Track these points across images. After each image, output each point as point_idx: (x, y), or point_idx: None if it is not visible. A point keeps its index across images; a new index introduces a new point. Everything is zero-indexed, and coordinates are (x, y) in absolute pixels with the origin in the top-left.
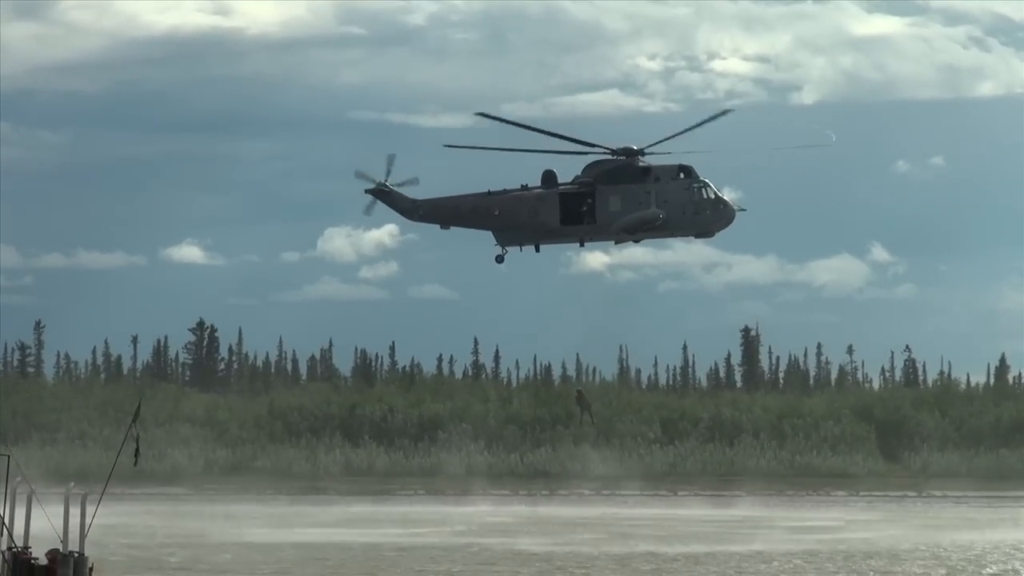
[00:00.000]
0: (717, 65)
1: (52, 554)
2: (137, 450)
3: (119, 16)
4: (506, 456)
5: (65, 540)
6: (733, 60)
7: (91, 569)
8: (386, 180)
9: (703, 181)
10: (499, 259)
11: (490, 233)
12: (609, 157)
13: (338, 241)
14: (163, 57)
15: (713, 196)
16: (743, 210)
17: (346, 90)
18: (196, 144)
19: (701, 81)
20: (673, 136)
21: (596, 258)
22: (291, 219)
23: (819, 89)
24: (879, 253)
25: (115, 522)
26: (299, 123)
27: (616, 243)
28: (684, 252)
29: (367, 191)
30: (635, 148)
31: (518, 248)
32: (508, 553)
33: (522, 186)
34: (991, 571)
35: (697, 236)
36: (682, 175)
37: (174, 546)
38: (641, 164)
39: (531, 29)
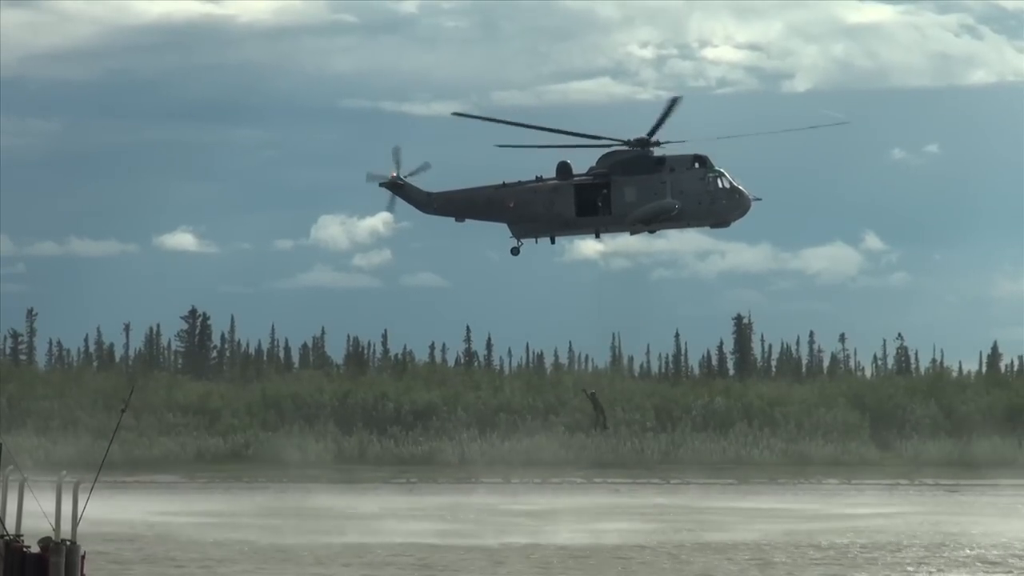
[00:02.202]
0: (709, 53)
1: (44, 542)
2: (125, 408)
3: (110, 4)
4: (498, 443)
5: (57, 528)
6: (725, 48)
7: (83, 557)
8: (398, 173)
9: (718, 171)
10: (514, 251)
11: (485, 222)
12: (623, 148)
13: (332, 229)
14: (154, 45)
15: (728, 185)
16: (758, 199)
17: (338, 78)
18: (188, 132)
19: (693, 69)
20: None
21: (589, 246)
22: (284, 207)
23: (811, 77)
24: (872, 241)
25: (107, 510)
26: (291, 111)
27: (632, 234)
28: (677, 240)
29: (381, 185)
30: (648, 138)
31: (533, 240)
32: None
33: (537, 178)
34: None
35: (713, 226)
36: (697, 165)
37: (166, 534)
38: (656, 155)
39: (523, 17)
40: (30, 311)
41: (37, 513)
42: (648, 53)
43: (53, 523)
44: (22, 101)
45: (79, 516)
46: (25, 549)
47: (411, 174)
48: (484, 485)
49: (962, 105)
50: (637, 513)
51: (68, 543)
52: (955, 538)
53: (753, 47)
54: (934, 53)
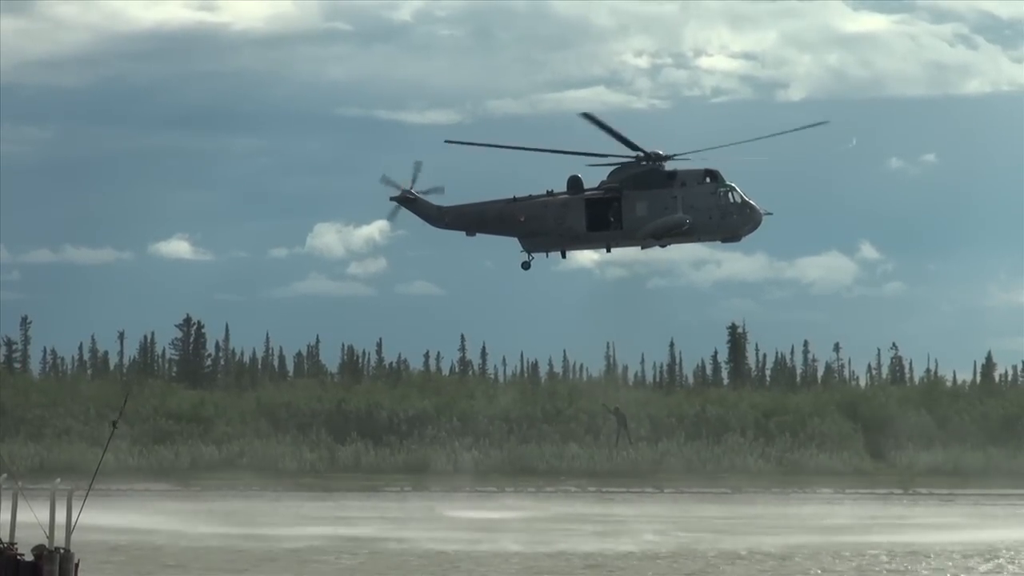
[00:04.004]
0: (704, 62)
1: (38, 550)
2: (115, 425)
3: (104, 11)
4: (492, 452)
5: (51, 536)
6: (720, 57)
7: (77, 565)
8: (412, 188)
9: (729, 185)
10: (525, 265)
11: (496, 236)
12: (634, 162)
13: (328, 237)
14: (149, 52)
15: (739, 200)
16: (769, 214)
17: (333, 86)
18: (183, 139)
19: (687, 78)
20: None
21: (584, 255)
22: (280, 215)
23: (806, 86)
24: (868, 251)
25: (101, 518)
26: (286, 119)
27: (643, 248)
28: (673, 249)
29: (392, 198)
30: (661, 153)
31: (544, 255)
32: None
33: (548, 192)
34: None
35: (724, 241)
36: (708, 179)
37: (159, 543)
38: (667, 169)
39: (517, 25)
40: (24, 319)
41: (31, 521)
42: (643, 62)
43: (47, 531)
44: (16, 108)
45: (73, 524)
46: (19, 557)
47: (424, 192)
48: (478, 494)
49: (958, 115)
50: (636, 522)
51: (62, 551)
52: (969, 547)
53: (748, 56)
54: (929, 62)
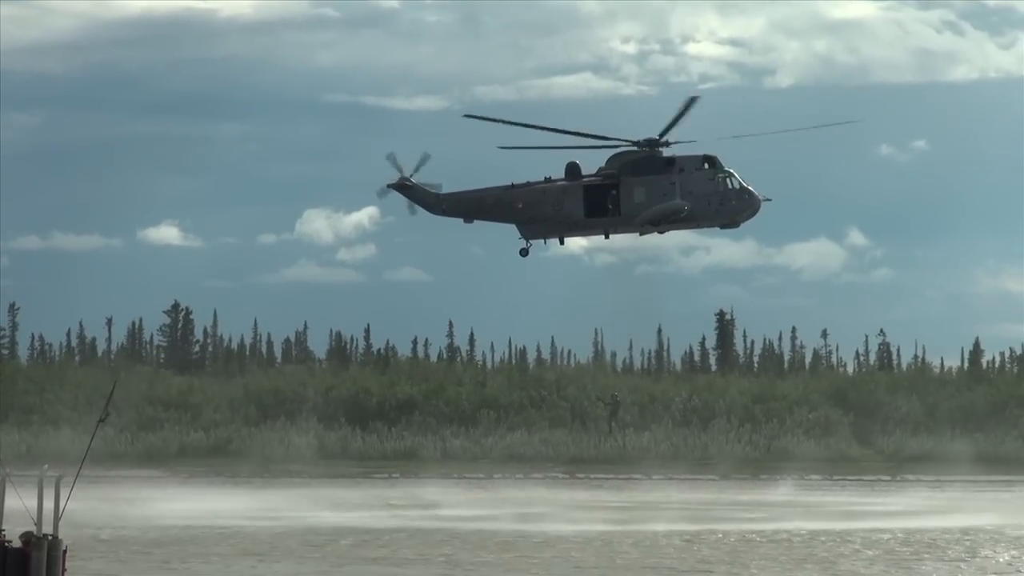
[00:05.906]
0: (691, 48)
1: (26, 537)
2: (105, 416)
3: None
4: (481, 439)
5: (39, 523)
6: (707, 43)
7: (65, 552)
8: (403, 174)
9: (728, 171)
10: (523, 252)
11: (494, 223)
12: (632, 148)
13: (317, 223)
14: (137, 39)
15: (738, 186)
16: (768, 199)
17: (320, 72)
18: (172, 126)
19: (675, 64)
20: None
21: (573, 240)
22: (269, 201)
23: (793, 73)
24: (856, 237)
25: (89, 505)
26: (274, 105)
27: (641, 235)
28: (663, 235)
29: (389, 185)
30: (657, 138)
31: (542, 241)
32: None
33: (546, 178)
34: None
35: (723, 227)
36: (707, 165)
37: (148, 529)
38: (665, 155)
39: (505, 12)
40: (12, 305)
41: (19, 508)
42: (630, 48)
43: (35, 518)
44: (4, 95)
45: (61, 511)
46: (7, 544)
47: (416, 170)
48: (468, 480)
49: (945, 101)
50: (633, 509)
51: (50, 538)
52: (979, 535)
53: (735, 43)
54: (916, 49)
